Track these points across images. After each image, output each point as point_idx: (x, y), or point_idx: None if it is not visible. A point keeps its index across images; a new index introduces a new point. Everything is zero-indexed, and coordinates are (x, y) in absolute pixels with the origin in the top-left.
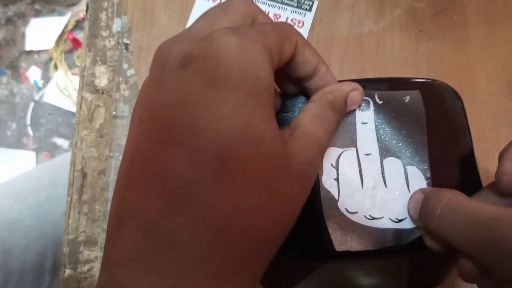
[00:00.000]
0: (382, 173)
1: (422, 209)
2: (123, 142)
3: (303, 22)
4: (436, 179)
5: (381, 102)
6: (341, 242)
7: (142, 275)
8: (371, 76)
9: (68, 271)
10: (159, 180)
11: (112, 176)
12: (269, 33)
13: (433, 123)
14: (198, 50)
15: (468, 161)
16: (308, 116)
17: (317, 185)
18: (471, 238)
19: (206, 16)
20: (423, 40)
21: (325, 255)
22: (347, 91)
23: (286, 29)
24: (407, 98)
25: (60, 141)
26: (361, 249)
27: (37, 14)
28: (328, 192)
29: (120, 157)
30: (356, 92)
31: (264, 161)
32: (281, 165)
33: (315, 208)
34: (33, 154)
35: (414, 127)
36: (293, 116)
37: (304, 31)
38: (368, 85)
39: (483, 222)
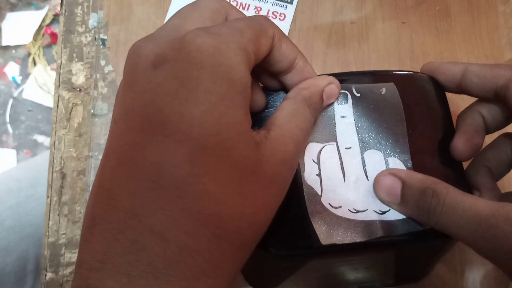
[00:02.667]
0: (364, 166)
1: (421, 207)
2: (102, 141)
3: (285, 15)
4: (418, 169)
5: (358, 95)
6: (327, 236)
7: (112, 277)
8: (354, 68)
9: (49, 275)
10: (130, 182)
11: (92, 176)
12: (244, 31)
13: (415, 114)
14: (170, 51)
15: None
16: (283, 114)
17: (299, 182)
18: (473, 235)
19: (177, 14)
20: (405, 31)
21: (311, 251)
22: (323, 85)
23: (261, 23)
24: (383, 90)
25: (41, 138)
26: (347, 242)
27: (13, 8)
28: (311, 188)
29: (100, 157)
30: (332, 85)
31: (236, 164)
32: (253, 168)
33: (299, 205)
34: (13, 152)
35: (393, 119)
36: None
37: (286, 24)
38: (350, 78)
39: (481, 220)
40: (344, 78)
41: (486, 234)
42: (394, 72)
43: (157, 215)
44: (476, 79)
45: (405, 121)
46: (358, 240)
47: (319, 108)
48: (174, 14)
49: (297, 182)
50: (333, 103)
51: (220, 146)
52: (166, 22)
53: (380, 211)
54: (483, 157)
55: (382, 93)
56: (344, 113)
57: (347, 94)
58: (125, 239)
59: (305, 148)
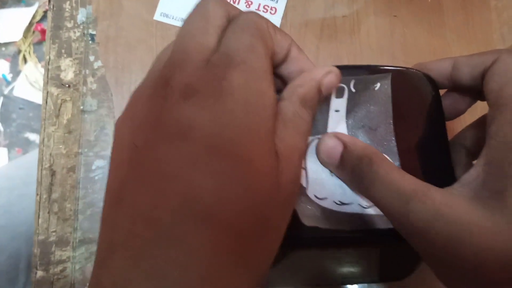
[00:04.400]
0: None
1: (355, 173)
2: (92, 137)
3: (276, 9)
4: (406, 165)
5: (354, 90)
6: (310, 221)
7: None
8: (346, 63)
9: (40, 273)
10: (154, 211)
11: (82, 173)
12: (257, 46)
13: (408, 110)
14: (200, 85)
15: (441, 148)
16: (280, 122)
17: None
18: (394, 212)
19: (188, 28)
20: (398, 25)
21: (294, 232)
22: (319, 78)
23: (258, 22)
24: (377, 86)
25: (32, 136)
26: (330, 227)
27: (3, 5)
28: None
29: (90, 153)
30: (331, 75)
31: (260, 192)
32: (272, 194)
33: None
34: (4, 150)
35: (383, 115)
36: None
37: (277, 18)
38: (345, 72)
39: (401, 197)
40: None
41: (402, 212)
42: (386, 68)
43: (180, 245)
44: (466, 68)
45: (397, 118)
46: (340, 228)
47: (317, 103)
48: (183, 26)
49: None
50: (331, 95)
51: (249, 177)
52: (179, 37)
53: (365, 205)
54: (460, 136)
55: (376, 89)
56: (338, 107)
57: (344, 88)
58: (146, 267)
59: None
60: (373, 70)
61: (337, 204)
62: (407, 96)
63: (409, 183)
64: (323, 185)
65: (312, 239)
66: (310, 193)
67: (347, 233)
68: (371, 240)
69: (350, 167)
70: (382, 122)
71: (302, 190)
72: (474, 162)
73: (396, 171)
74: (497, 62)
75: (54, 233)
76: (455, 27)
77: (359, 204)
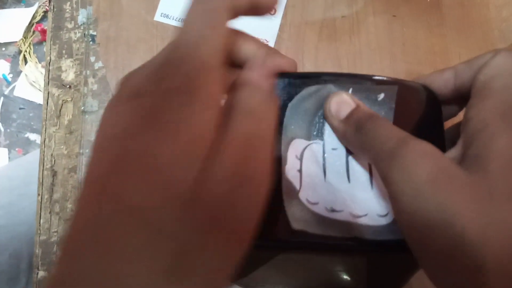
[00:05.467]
0: (347, 169)
1: (357, 125)
2: (93, 138)
3: (275, 9)
4: None
5: None
6: (299, 224)
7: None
8: (345, 63)
9: (41, 273)
10: (136, 200)
11: (83, 174)
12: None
13: (408, 123)
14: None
15: None
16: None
17: (279, 176)
18: (383, 147)
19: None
20: (397, 25)
21: (282, 234)
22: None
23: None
24: (381, 96)
25: (33, 136)
26: (318, 233)
27: (2, 5)
28: (290, 182)
29: None
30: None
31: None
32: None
33: (276, 198)
34: (5, 150)
35: None
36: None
37: (277, 19)
38: (348, 80)
39: (396, 137)
40: (335, 79)
41: (393, 151)
42: (385, 79)
43: (149, 229)
44: (467, 73)
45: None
46: (329, 234)
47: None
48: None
49: (276, 175)
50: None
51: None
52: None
53: (356, 214)
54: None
55: (378, 99)
56: None
57: None
58: (118, 252)
59: (289, 143)
60: (371, 81)
61: (328, 210)
62: (407, 109)
63: (397, 133)
64: (316, 190)
65: (299, 242)
66: (302, 196)
67: (335, 239)
68: (359, 249)
69: (356, 121)
70: None
71: (294, 193)
72: None
73: (393, 126)
74: (492, 58)
75: (55, 233)
76: (454, 25)
77: (350, 212)
